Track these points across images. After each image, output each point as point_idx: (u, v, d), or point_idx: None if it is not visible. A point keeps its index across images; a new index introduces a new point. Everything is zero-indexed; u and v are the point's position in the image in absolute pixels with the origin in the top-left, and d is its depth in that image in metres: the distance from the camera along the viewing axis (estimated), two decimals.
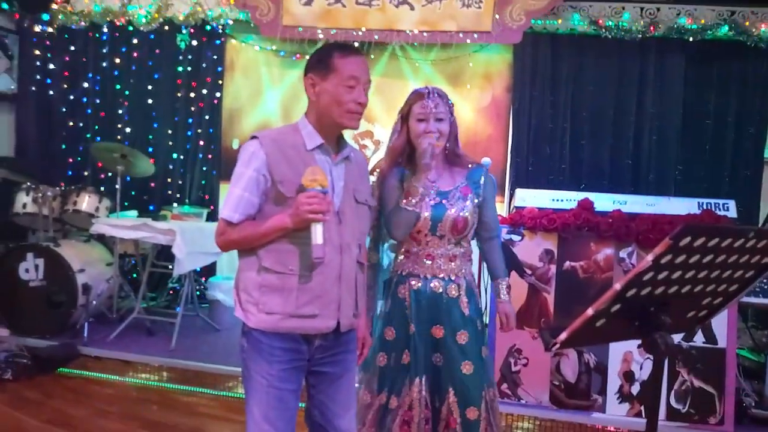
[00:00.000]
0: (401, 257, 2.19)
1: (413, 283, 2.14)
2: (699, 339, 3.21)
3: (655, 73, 4.86)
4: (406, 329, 2.13)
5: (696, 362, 3.20)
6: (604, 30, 4.77)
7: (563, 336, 1.04)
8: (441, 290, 2.12)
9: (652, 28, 4.72)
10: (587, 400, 3.30)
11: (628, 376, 3.28)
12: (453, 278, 2.14)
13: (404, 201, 2.05)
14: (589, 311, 1.02)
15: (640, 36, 4.74)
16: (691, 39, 4.72)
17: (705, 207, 3.37)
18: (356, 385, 2.16)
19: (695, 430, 3.17)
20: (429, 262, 2.13)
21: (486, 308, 3.33)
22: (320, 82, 1.75)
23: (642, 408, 3.25)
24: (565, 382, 3.32)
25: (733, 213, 3.38)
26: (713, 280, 1.14)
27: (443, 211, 2.10)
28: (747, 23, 4.63)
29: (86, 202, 4.47)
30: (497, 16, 4.77)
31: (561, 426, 3.27)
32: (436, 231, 2.12)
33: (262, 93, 5.47)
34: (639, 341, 2.98)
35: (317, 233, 1.63)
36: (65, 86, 5.51)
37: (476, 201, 2.16)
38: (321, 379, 1.84)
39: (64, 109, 5.51)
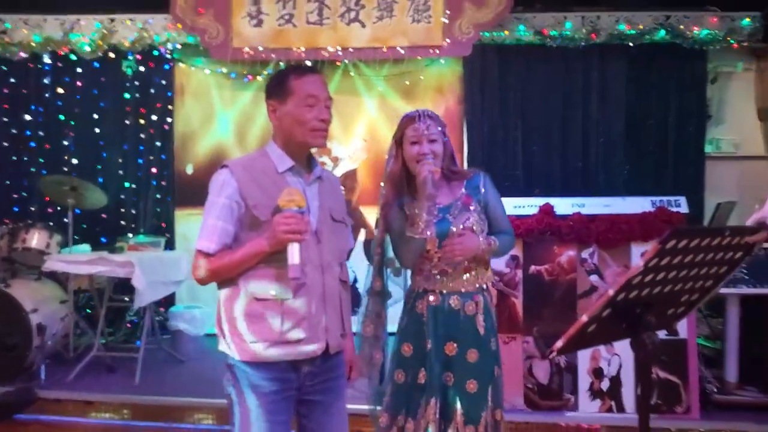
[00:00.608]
0: (416, 276, 2.17)
1: (431, 299, 2.11)
2: (661, 332, 3.30)
3: (599, 78, 5.06)
4: (422, 345, 2.10)
5: (660, 354, 3.30)
6: (548, 39, 4.94)
7: (559, 344, 1.07)
8: (459, 307, 2.10)
9: (593, 35, 4.91)
10: (560, 400, 3.36)
11: (598, 373, 3.36)
12: (471, 293, 2.12)
13: (410, 229, 2.03)
14: (584, 318, 1.05)
15: (582, 43, 4.93)
16: (631, 44, 4.94)
17: (658, 204, 3.50)
18: (372, 406, 2.15)
19: (664, 420, 3.26)
20: (443, 278, 2.11)
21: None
22: (280, 106, 1.75)
23: (612, 403, 3.33)
24: (538, 384, 3.38)
25: (684, 209, 3.51)
26: (692, 277, 1.20)
27: (447, 226, 2.09)
28: (681, 26, 4.88)
29: (36, 238, 4.27)
30: (447, 31, 4.87)
31: (535, 428, 3.31)
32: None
33: (214, 116, 5.39)
34: None
35: (294, 253, 1.60)
36: (6, 119, 5.29)
37: (479, 207, 2.15)
38: (312, 409, 1.79)
39: (6, 144, 5.29)
